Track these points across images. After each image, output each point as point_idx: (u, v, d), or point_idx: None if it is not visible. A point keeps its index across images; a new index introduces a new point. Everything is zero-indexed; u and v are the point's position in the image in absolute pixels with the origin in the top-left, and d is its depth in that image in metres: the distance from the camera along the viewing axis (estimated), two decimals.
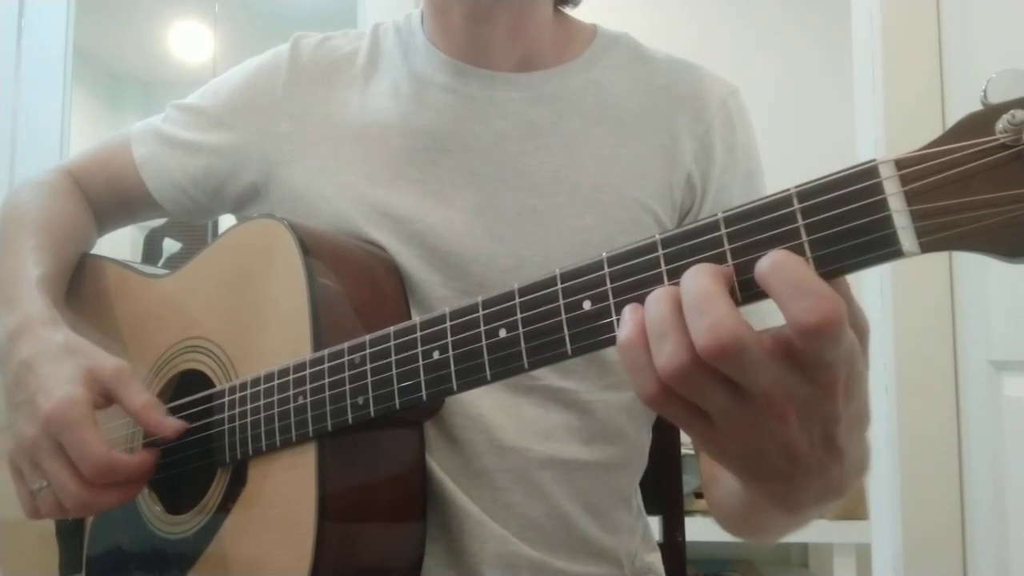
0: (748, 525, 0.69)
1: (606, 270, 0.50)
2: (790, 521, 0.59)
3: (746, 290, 0.44)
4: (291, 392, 0.67)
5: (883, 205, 0.41)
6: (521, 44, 0.83)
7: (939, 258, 1.53)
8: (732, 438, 0.44)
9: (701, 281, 0.42)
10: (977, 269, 1.50)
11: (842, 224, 0.42)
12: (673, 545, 1.04)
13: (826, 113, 2.35)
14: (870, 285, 1.68)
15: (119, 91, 3.35)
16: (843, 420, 0.44)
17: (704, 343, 0.40)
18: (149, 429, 0.70)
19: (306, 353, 0.67)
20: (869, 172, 0.42)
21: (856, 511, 2.02)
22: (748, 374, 0.41)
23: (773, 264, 0.41)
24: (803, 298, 0.39)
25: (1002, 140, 0.39)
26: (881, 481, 1.67)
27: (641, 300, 0.48)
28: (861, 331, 0.44)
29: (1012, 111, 0.38)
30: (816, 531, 2.08)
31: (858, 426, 0.46)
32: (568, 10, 0.89)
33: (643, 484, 0.88)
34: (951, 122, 0.41)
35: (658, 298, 0.44)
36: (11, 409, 0.71)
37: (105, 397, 0.70)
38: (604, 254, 0.50)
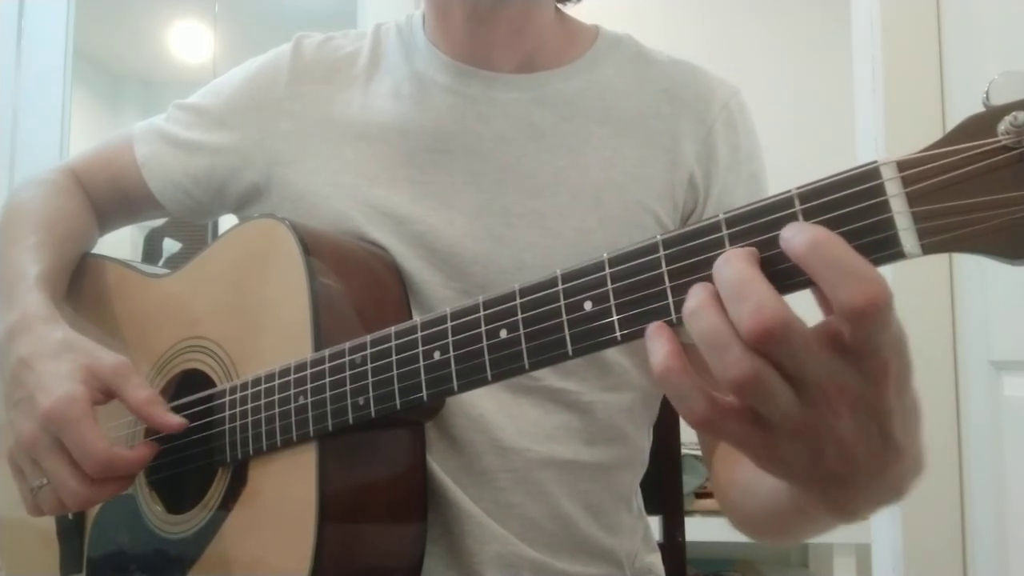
0: (780, 529, 0.66)
1: (607, 271, 0.50)
2: (837, 524, 0.55)
3: (776, 280, 0.42)
4: (292, 392, 0.67)
5: (885, 207, 0.41)
6: (523, 45, 0.83)
7: (939, 258, 1.53)
8: (791, 443, 0.43)
9: (735, 266, 0.41)
10: (977, 269, 1.50)
11: (843, 226, 0.42)
12: (673, 545, 1.04)
13: (826, 113, 2.35)
14: None
15: (119, 91, 3.35)
16: (897, 413, 0.42)
17: (749, 326, 0.39)
18: (152, 424, 0.70)
19: (307, 353, 0.67)
20: (871, 173, 0.42)
21: None
22: (798, 359, 0.40)
23: (813, 242, 0.40)
24: (849, 279, 0.39)
25: (1004, 142, 0.39)
26: None
27: (642, 301, 0.48)
28: (899, 323, 0.42)
29: (1014, 113, 0.38)
30: None
31: (914, 421, 0.44)
32: (569, 9, 0.89)
33: (643, 484, 0.88)
34: (951, 122, 0.41)
35: (700, 309, 0.42)
36: (9, 407, 0.71)
37: (105, 393, 0.70)
38: (605, 255, 0.50)
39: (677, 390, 0.43)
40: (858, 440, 0.42)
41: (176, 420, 0.70)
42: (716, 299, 0.42)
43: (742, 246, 0.44)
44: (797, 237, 0.41)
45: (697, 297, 0.43)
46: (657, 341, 0.44)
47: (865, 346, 0.40)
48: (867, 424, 0.42)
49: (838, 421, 0.42)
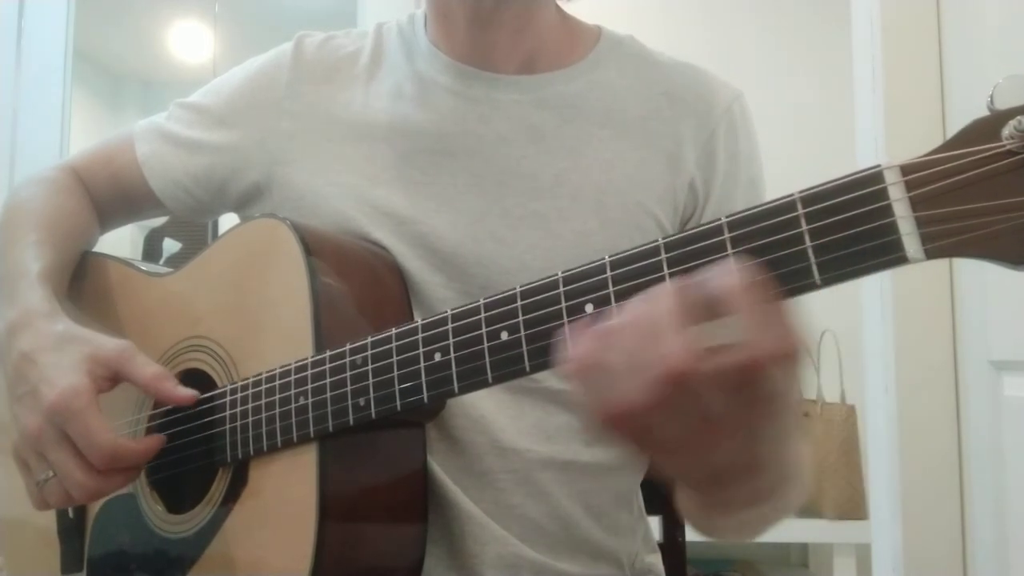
0: (700, 522, 0.72)
1: (608, 273, 0.50)
2: (733, 520, 0.63)
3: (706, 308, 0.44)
4: (292, 392, 0.67)
5: (888, 211, 0.41)
6: (524, 45, 0.83)
7: (940, 260, 1.53)
8: (672, 454, 0.47)
9: (658, 307, 0.43)
10: (977, 270, 1.50)
11: (846, 230, 0.42)
12: (673, 545, 1.04)
13: (826, 114, 2.35)
14: (870, 286, 1.68)
15: (119, 91, 3.35)
16: (770, 438, 0.46)
17: (657, 372, 0.42)
18: (163, 398, 0.70)
19: (308, 353, 0.67)
20: (874, 177, 0.42)
21: (856, 511, 2.02)
22: (697, 401, 0.43)
23: (737, 286, 0.42)
24: (768, 328, 0.40)
25: (1009, 146, 0.39)
26: (881, 481, 1.67)
27: None
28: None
29: (1018, 117, 0.38)
30: (816, 531, 2.08)
31: (782, 442, 0.48)
32: (568, 9, 0.88)
33: (643, 484, 0.88)
34: (951, 123, 0.41)
35: (618, 329, 0.45)
36: (13, 402, 0.71)
37: (111, 380, 0.70)
38: (607, 257, 0.50)
39: (589, 388, 0.45)
40: (728, 455, 0.46)
41: (187, 393, 0.71)
42: (631, 330, 0.44)
43: (744, 249, 0.44)
44: (727, 277, 0.42)
45: (612, 323, 0.45)
46: (580, 339, 0.46)
47: (764, 389, 0.42)
48: (740, 445, 0.46)
49: (717, 441, 0.45)
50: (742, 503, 0.53)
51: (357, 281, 0.74)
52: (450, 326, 0.57)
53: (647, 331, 0.43)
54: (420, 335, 0.59)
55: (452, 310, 0.57)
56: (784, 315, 0.41)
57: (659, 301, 0.43)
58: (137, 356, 0.71)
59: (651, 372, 0.42)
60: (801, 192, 0.43)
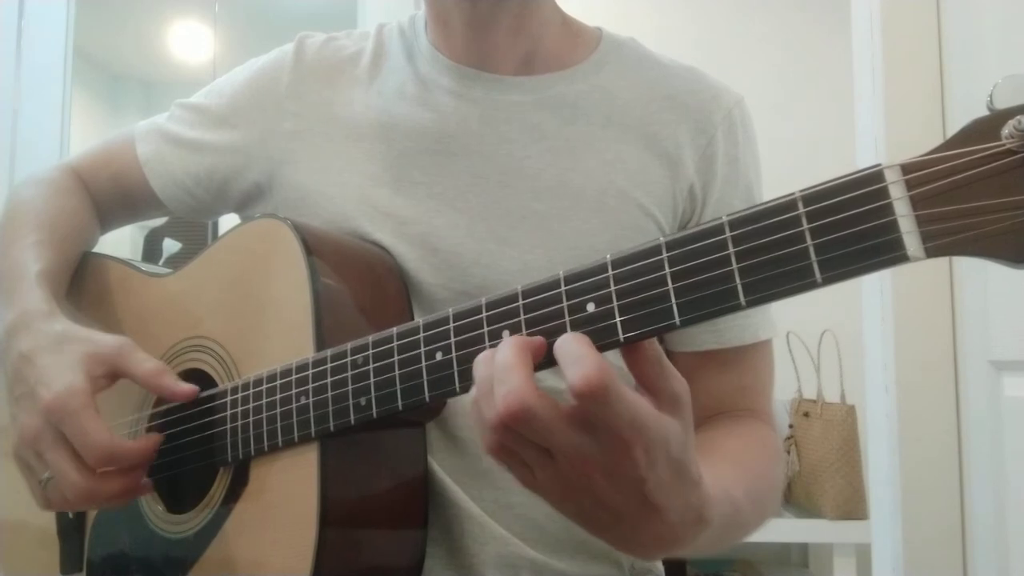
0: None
1: (610, 272, 0.50)
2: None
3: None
4: (293, 392, 0.67)
5: (888, 210, 0.41)
6: (523, 44, 0.83)
7: (940, 259, 1.53)
8: (549, 489, 0.51)
9: (505, 352, 0.49)
10: (977, 269, 1.50)
11: (847, 228, 0.42)
12: None
13: (826, 114, 2.35)
14: (870, 285, 1.68)
15: (119, 91, 3.34)
16: (651, 481, 0.48)
17: (499, 409, 0.47)
18: (163, 394, 0.70)
19: (308, 353, 0.67)
20: (874, 176, 0.42)
21: (856, 511, 2.02)
22: (541, 436, 0.47)
23: (560, 340, 0.48)
24: (575, 365, 0.46)
25: (1008, 145, 0.39)
26: (881, 481, 1.67)
27: (645, 303, 0.48)
28: (673, 396, 0.49)
29: (1018, 117, 0.38)
30: (816, 531, 2.08)
31: (677, 487, 0.49)
32: (564, 7, 0.88)
33: None
34: (951, 122, 0.41)
35: (484, 360, 0.50)
36: (12, 403, 0.72)
37: (110, 377, 0.70)
38: (608, 256, 0.50)
39: (478, 419, 0.50)
40: (616, 499, 0.49)
41: (187, 388, 0.70)
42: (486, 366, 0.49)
43: (745, 248, 0.45)
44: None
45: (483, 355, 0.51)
46: (481, 372, 0.51)
47: (600, 423, 0.46)
48: (623, 486, 0.48)
49: (589, 481, 0.48)
50: (649, 548, 0.53)
51: (357, 281, 0.74)
52: (451, 325, 0.57)
53: (495, 377, 0.48)
54: (422, 334, 0.59)
55: (453, 309, 0.57)
56: (587, 355, 0.46)
57: (499, 353, 0.49)
58: (136, 352, 0.71)
59: (496, 412, 0.47)
60: (802, 191, 0.43)
